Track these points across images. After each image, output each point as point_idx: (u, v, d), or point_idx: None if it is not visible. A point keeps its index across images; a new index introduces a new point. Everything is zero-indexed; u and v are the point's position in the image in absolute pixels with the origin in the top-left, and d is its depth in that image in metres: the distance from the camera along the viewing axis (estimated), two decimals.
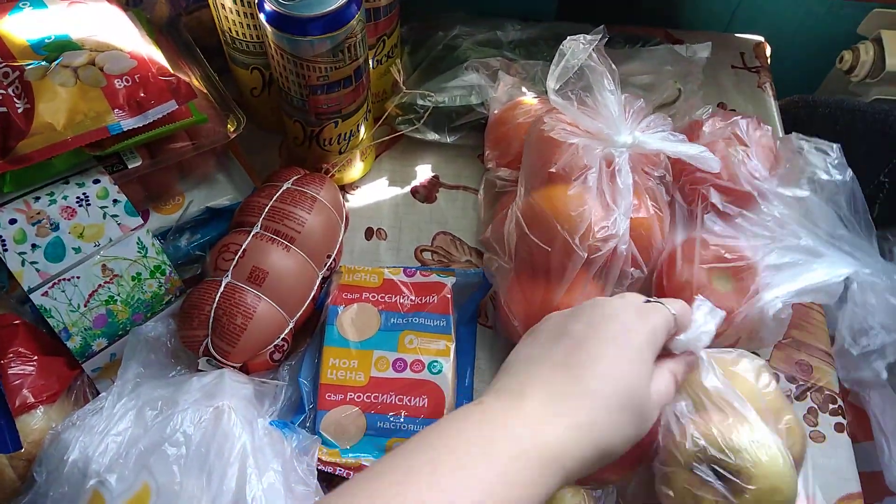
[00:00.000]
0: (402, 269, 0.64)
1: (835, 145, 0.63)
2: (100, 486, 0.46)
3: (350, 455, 0.56)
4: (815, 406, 0.62)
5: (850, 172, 0.62)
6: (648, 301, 0.47)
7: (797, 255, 0.58)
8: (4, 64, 0.55)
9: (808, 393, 0.62)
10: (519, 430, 0.38)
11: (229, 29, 0.64)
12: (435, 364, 0.58)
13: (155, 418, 0.48)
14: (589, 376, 0.40)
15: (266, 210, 0.61)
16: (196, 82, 0.65)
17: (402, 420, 0.57)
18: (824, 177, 0.62)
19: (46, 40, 0.58)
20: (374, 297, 0.62)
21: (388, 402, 0.58)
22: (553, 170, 0.56)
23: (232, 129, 0.63)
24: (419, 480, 0.35)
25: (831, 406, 0.62)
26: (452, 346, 0.60)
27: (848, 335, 0.60)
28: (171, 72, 0.59)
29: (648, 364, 0.43)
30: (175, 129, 0.59)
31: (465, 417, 0.39)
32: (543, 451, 0.37)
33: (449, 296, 0.62)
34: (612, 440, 0.40)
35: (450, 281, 0.63)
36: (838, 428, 0.61)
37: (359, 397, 0.58)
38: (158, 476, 0.46)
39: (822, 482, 0.58)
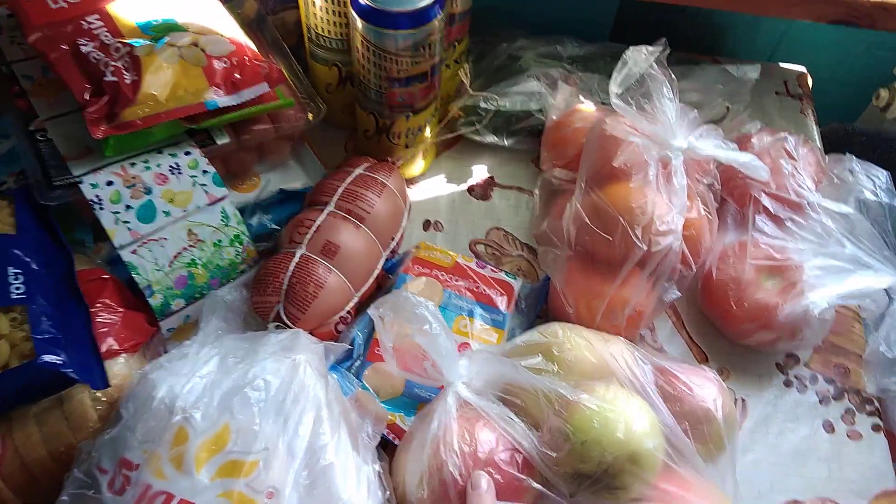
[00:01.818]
0: (474, 259, 0.67)
1: (884, 171, 0.67)
2: (185, 422, 0.48)
3: (384, 405, 0.59)
4: (853, 407, 0.64)
5: None
6: None
7: (843, 262, 0.61)
8: (116, 40, 0.60)
9: (846, 394, 0.65)
10: None
11: (315, 25, 0.69)
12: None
13: (236, 365, 0.52)
14: None
15: (339, 191, 0.65)
16: (283, 71, 0.69)
17: (436, 392, 0.59)
18: (871, 198, 0.65)
19: (154, 22, 0.63)
20: (442, 276, 0.65)
21: None
22: (616, 164, 0.60)
23: (312, 118, 0.68)
24: None
25: (868, 407, 0.64)
26: (503, 341, 0.63)
27: (883, 341, 0.62)
28: (264, 58, 0.64)
29: None
30: (264, 111, 0.64)
31: None
32: None
33: (513, 296, 0.65)
34: None
35: (517, 284, 0.67)
36: (875, 428, 0.63)
37: None
38: (239, 416, 0.49)
39: (859, 477, 0.60)
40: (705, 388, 0.54)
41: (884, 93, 0.94)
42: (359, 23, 0.61)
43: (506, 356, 0.55)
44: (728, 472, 0.53)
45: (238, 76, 0.62)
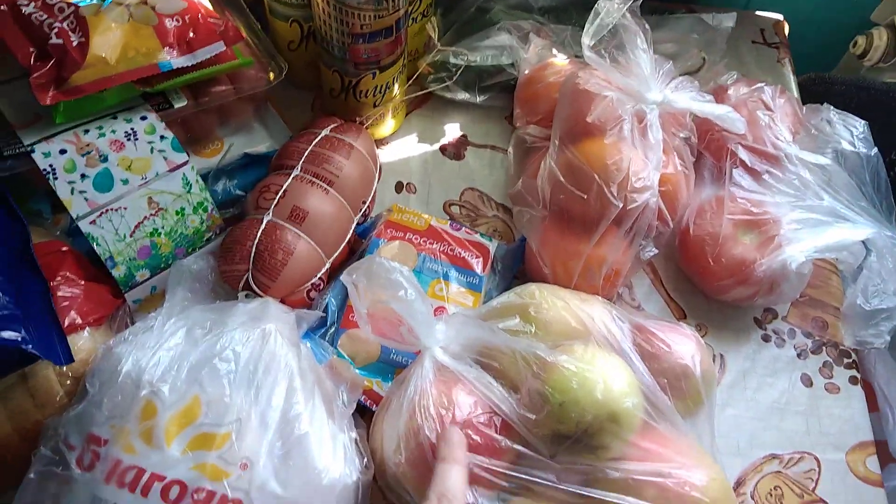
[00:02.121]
0: (449, 221, 0.66)
1: (862, 121, 0.66)
2: (152, 396, 0.47)
3: (360, 371, 0.58)
4: (830, 360, 0.64)
5: (875, 149, 0.64)
6: None
7: (820, 214, 0.61)
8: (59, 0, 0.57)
9: (824, 348, 0.65)
10: None
11: None
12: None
13: (204, 336, 0.50)
14: None
15: (306, 154, 0.63)
16: (241, 29, 0.66)
17: (412, 357, 0.59)
18: (849, 148, 0.64)
19: None
20: (416, 239, 0.64)
21: None
22: (589, 120, 0.58)
23: (273, 77, 0.65)
24: None
25: (846, 360, 0.64)
26: (480, 304, 0.61)
27: (861, 293, 0.62)
28: (219, 15, 0.61)
29: None
30: (221, 71, 0.61)
31: None
32: None
33: (488, 258, 0.64)
34: None
35: (493, 245, 0.65)
36: (852, 380, 0.63)
37: None
38: (209, 389, 0.47)
39: (836, 430, 0.60)
40: (683, 344, 0.53)
41: (861, 40, 0.93)
42: None
43: (482, 319, 0.53)
44: (706, 427, 0.52)
45: (192, 35, 0.59)
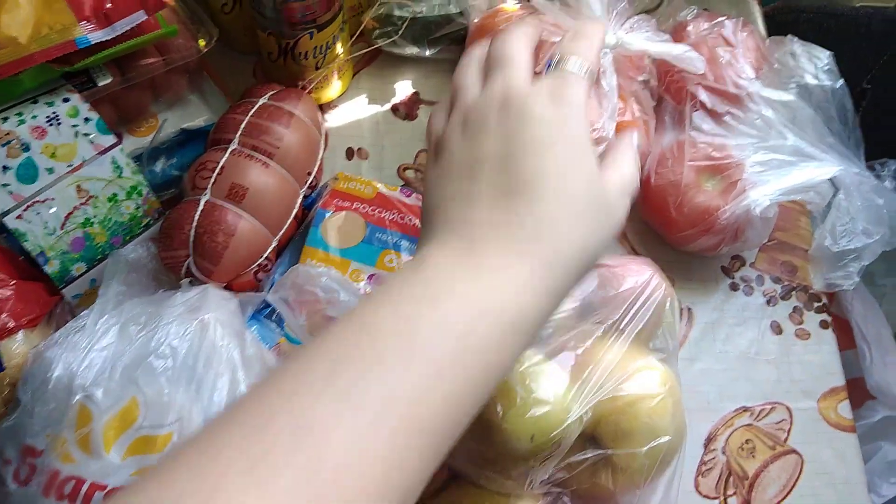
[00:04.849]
0: (399, 187, 0.63)
1: (827, 52, 0.62)
2: (86, 401, 0.45)
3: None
4: (800, 305, 0.63)
5: (841, 81, 0.61)
6: (549, 65, 0.38)
7: (785, 155, 0.58)
8: None
9: (793, 293, 0.63)
10: (479, 289, 0.31)
11: None
12: None
13: (139, 333, 0.48)
14: (536, 202, 0.33)
15: (243, 126, 0.59)
16: None
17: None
18: (813, 82, 0.61)
19: None
20: (364, 208, 0.61)
21: None
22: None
23: (203, 44, 0.61)
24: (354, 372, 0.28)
25: (816, 304, 0.62)
26: None
27: (829, 234, 0.60)
28: None
29: (591, 153, 0.36)
30: (144, 42, 0.57)
31: (407, 283, 0.32)
32: (507, 308, 0.31)
33: None
34: (582, 256, 0.34)
35: None
36: (823, 325, 0.62)
37: None
38: (146, 389, 0.45)
39: (807, 377, 0.59)
40: (643, 272, 0.52)
41: None
42: None
43: None
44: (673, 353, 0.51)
45: (109, 5, 0.54)
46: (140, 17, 0.55)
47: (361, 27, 0.69)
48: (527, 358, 0.47)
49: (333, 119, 0.71)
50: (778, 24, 0.80)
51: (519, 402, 0.44)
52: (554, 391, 0.45)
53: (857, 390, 0.87)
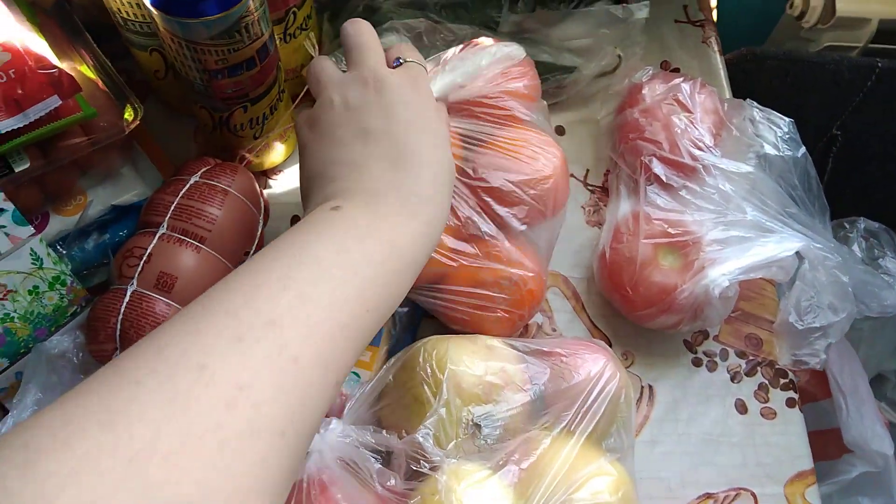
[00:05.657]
0: None
1: (787, 119, 0.59)
2: None
3: None
4: (766, 381, 0.60)
5: (803, 150, 0.59)
6: (397, 63, 0.46)
7: (744, 230, 0.55)
8: None
9: (759, 368, 0.60)
10: (385, 233, 0.38)
11: (119, 9, 0.58)
12: (354, 375, 0.55)
13: None
14: (420, 172, 0.41)
15: (172, 208, 0.56)
16: (87, 70, 0.59)
17: None
18: (773, 152, 0.58)
19: None
20: None
21: None
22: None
23: (130, 121, 0.57)
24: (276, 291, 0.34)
25: (782, 381, 0.60)
26: (377, 362, 0.56)
27: (794, 310, 0.57)
28: (53, 63, 0.53)
29: (447, 137, 0.44)
30: (62, 127, 0.53)
31: (326, 224, 0.38)
32: (406, 250, 0.39)
33: None
34: (441, 226, 0.42)
35: None
36: (790, 403, 0.59)
37: None
38: None
39: (773, 460, 0.56)
40: (596, 361, 0.49)
41: (797, 0, 0.86)
42: (155, 13, 0.50)
43: (376, 399, 0.49)
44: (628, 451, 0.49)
45: (20, 91, 0.51)
46: (54, 102, 0.52)
47: (305, 88, 0.66)
48: (467, 473, 0.44)
49: (278, 185, 0.68)
50: (742, 72, 0.77)
51: None
52: None
53: (833, 443, 0.84)
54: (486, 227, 0.52)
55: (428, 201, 0.41)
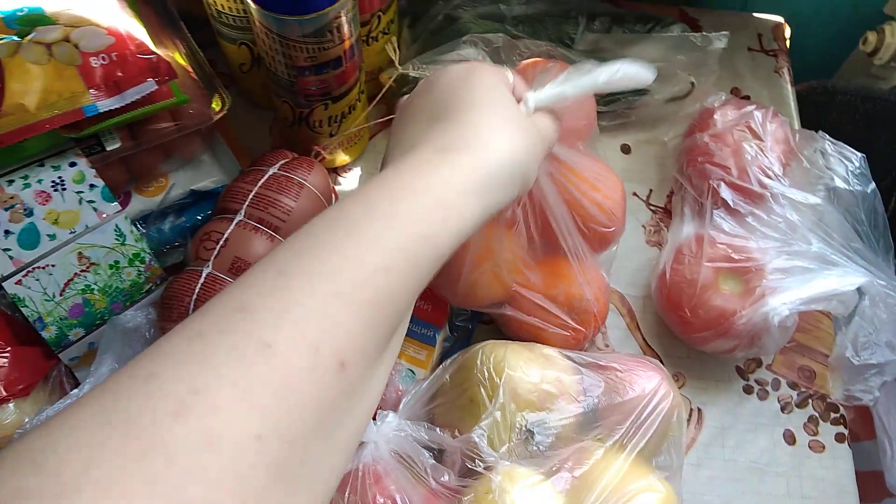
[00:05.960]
0: None
1: (859, 154, 0.59)
2: None
3: None
4: (817, 414, 0.60)
5: (872, 185, 0.58)
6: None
7: (808, 261, 0.55)
8: None
9: (810, 401, 0.60)
10: (428, 186, 0.37)
11: (214, 1, 0.60)
12: (410, 372, 0.56)
13: None
14: (461, 115, 0.40)
15: (250, 197, 0.58)
16: (180, 58, 0.61)
17: None
18: (843, 186, 0.58)
19: (18, 13, 0.54)
20: None
21: None
22: None
23: (217, 110, 0.60)
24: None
25: (833, 415, 0.60)
26: (432, 361, 0.57)
27: (851, 345, 0.57)
28: (152, 49, 0.56)
29: (507, 94, 0.43)
30: (155, 111, 0.56)
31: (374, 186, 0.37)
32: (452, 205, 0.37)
33: (446, 307, 0.59)
34: (508, 166, 0.40)
35: None
36: (839, 438, 0.59)
37: None
38: None
39: (819, 493, 0.56)
40: (650, 379, 0.50)
41: (871, 36, 0.85)
42: (253, 7, 0.53)
43: (429, 399, 0.50)
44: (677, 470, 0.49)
45: (120, 74, 0.54)
46: (150, 86, 0.55)
47: (383, 91, 0.68)
48: (521, 476, 0.45)
49: (347, 183, 0.70)
50: (811, 104, 0.77)
51: None
52: None
53: (875, 485, 0.83)
54: (566, 245, 0.53)
55: (474, 144, 0.40)
